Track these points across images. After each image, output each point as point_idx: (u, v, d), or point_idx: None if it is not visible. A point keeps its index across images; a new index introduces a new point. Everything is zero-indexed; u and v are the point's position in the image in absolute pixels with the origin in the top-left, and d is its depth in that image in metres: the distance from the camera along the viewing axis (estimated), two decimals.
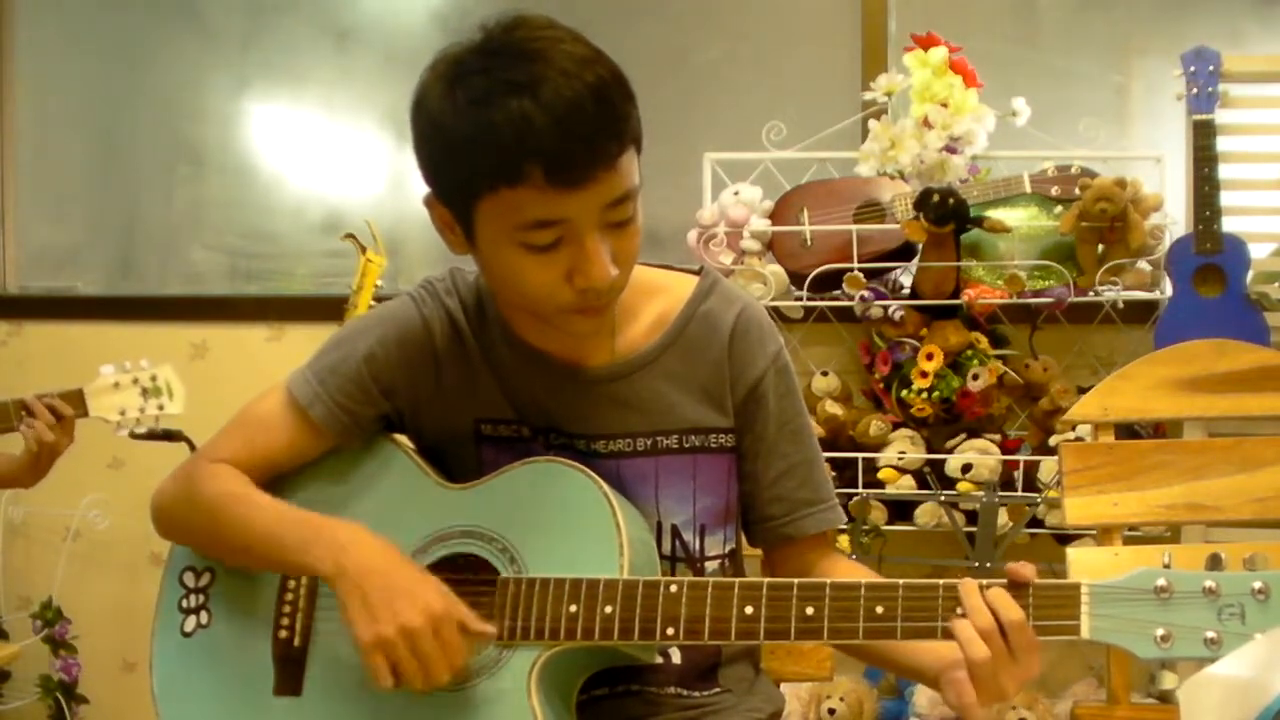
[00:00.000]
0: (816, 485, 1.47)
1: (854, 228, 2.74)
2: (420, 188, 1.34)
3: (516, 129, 1.18)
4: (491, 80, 1.20)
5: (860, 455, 2.68)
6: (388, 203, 3.41)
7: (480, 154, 1.21)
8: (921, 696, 2.66)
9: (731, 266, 2.77)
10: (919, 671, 1.32)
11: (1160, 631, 1.13)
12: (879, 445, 2.70)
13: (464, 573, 1.33)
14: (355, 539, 1.31)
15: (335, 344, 1.45)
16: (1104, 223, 2.64)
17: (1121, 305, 2.70)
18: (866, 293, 2.68)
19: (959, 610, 1.19)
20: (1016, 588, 1.19)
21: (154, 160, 3.57)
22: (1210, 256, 2.61)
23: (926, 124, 2.75)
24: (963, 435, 2.69)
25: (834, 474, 2.42)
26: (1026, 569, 1.19)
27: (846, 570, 1.46)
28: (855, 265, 2.71)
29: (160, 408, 2.43)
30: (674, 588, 1.27)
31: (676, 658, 1.42)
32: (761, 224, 2.80)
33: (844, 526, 2.57)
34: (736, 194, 2.84)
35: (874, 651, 1.38)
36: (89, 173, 3.61)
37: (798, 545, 1.47)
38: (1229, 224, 2.63)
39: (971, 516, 2.60)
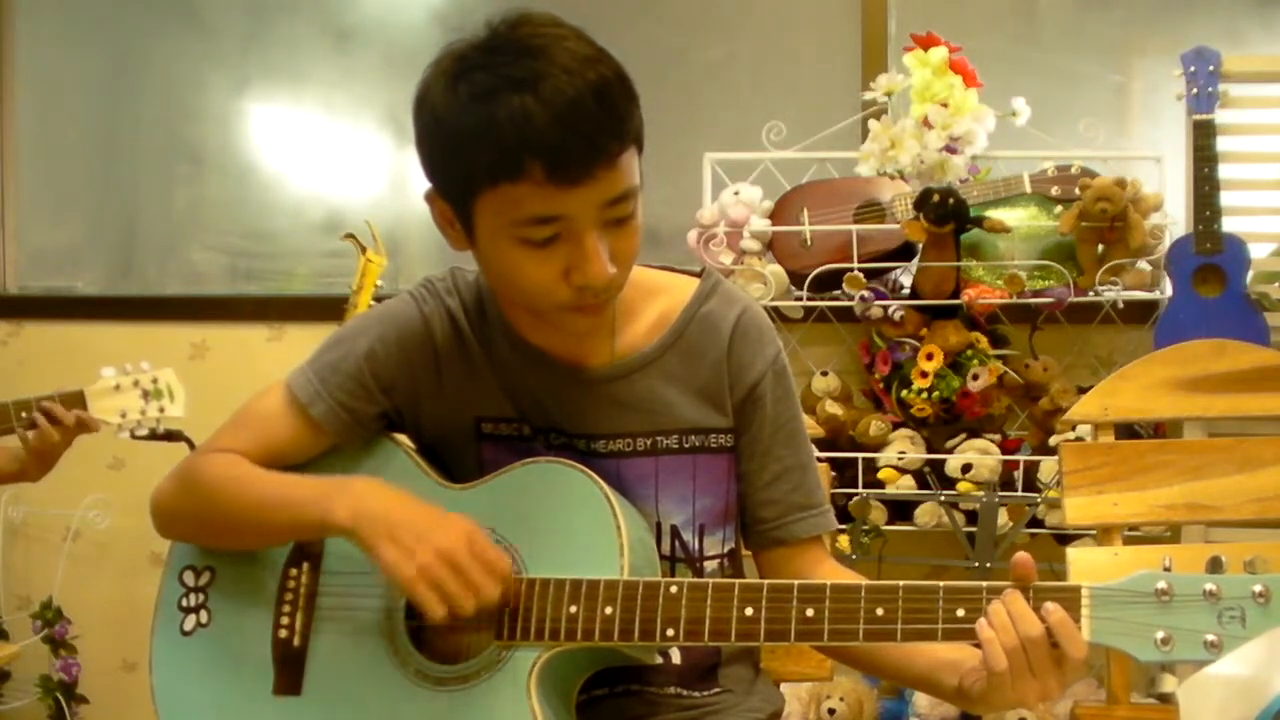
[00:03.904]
0: (809, 490, 1.47)
1: (854, 228, 2.74)
2: (421, 187, 1.34)
3: (517, 124, 1.18)
4: (494, 76, 1.20)
5: (860, 455, 2.67)
6: (388, 203, 3.41)
7: (481, 149, 1.21)
8: (921, 697, 2.65)
9: (731, 266, 2.77)
10: (936, 685, 1.32)
11: (1161, 634, 1.13)
12: (879, 445, 2.70)
13: None
14: (370, 485, 1.32)
15: (335, 342, 1.45)
16: (1104, 223, 2.64)
17: (1121, 305, 2.69)
18: (866, 293, 2.68)
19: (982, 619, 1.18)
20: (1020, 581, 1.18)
21: (154, 160, 3.56)
22: (1210, 256, 2.61)
23: (926, 124, 2.75)
24: (963, 435, 2.68)
25: (834, 474, 2.43)
26: (1028, 563, 1.19)
27: (838, 576, 1.44)
28: (855, 265, 2.70)
29: (161, 410, 2.42)
30: (674, 589, 1.27)
31: (676, 658, 1.42)
32: (761, 224, 2.79)
33: (844, 527, 2.57)
34: (736, 194, 2.84)
35: (886, 663, 1.38)
36: (89, 173, 3.61)
37: (789, 549, 1.47)
38: (1229, 224, 2.62)
39: (971, 516, 2.60)
